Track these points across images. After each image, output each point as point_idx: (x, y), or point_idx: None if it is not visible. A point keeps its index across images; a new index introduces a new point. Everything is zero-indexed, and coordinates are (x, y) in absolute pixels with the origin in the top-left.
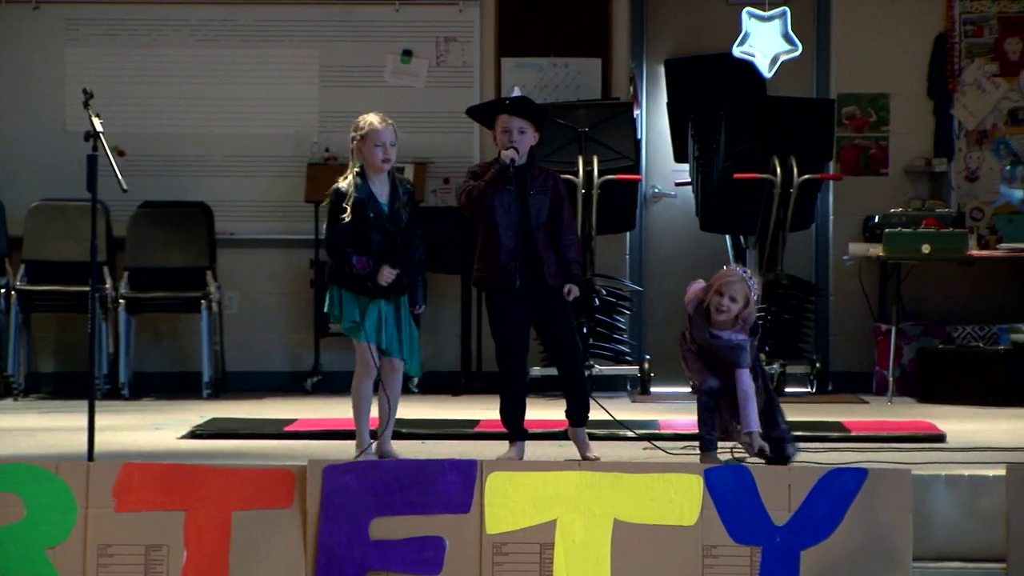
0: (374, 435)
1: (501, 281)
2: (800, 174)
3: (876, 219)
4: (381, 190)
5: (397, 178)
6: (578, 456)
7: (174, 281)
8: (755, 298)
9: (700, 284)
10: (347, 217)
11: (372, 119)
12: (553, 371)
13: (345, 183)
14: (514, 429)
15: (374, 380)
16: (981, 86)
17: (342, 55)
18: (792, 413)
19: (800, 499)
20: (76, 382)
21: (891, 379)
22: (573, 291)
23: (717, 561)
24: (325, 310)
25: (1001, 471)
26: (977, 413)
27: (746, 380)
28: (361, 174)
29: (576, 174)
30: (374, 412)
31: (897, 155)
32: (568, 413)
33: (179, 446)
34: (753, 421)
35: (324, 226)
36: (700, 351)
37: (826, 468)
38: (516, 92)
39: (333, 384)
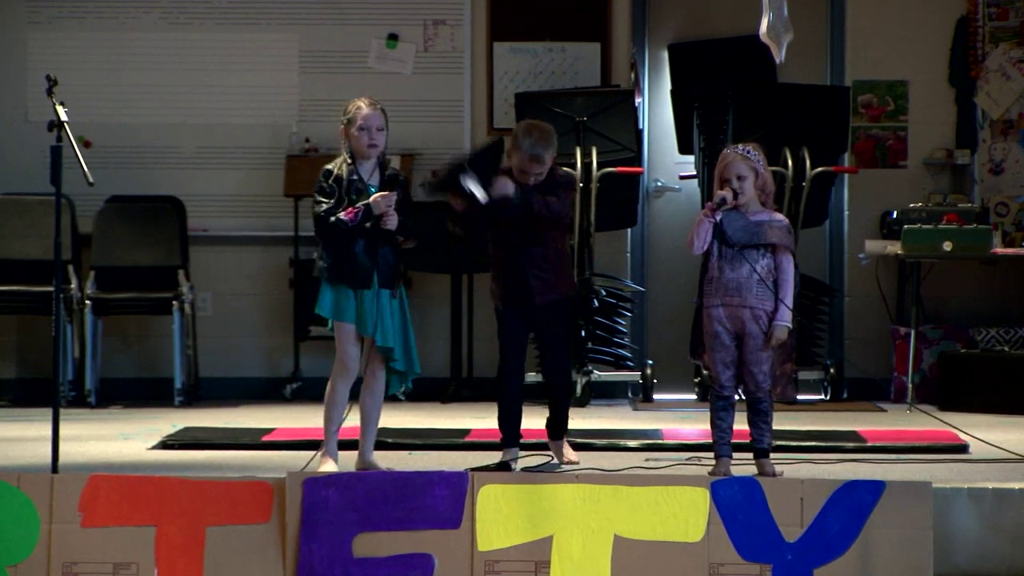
0: (344, 447)
1: (501, 293)
2: (813, 166)
3: (894, 215)
4: (369, 177)
5: (390, 168)
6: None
7: (144, 281)
8: (761, 164)
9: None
10: (328, 202)
11: (360, 102)
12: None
13: (333, 164)
14: (505, 435)
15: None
16: (1006, 73)
17: (323, 39)
18: (805, 422)
19: (813, 514)
20: (39, 389)
21: (910, 386)
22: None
23: None
24: (316, 311)
25: None
26: (1002, 422)
27: (788, 267)
28: (351, 160)
29: (574, 166)
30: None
31: (916, 146)
32: (547, 424)
33: (149, 457)
34: (786, 312)
35: (307, 221)
36: (722, 290)
37: (841, 481)
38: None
39: (314, 391)
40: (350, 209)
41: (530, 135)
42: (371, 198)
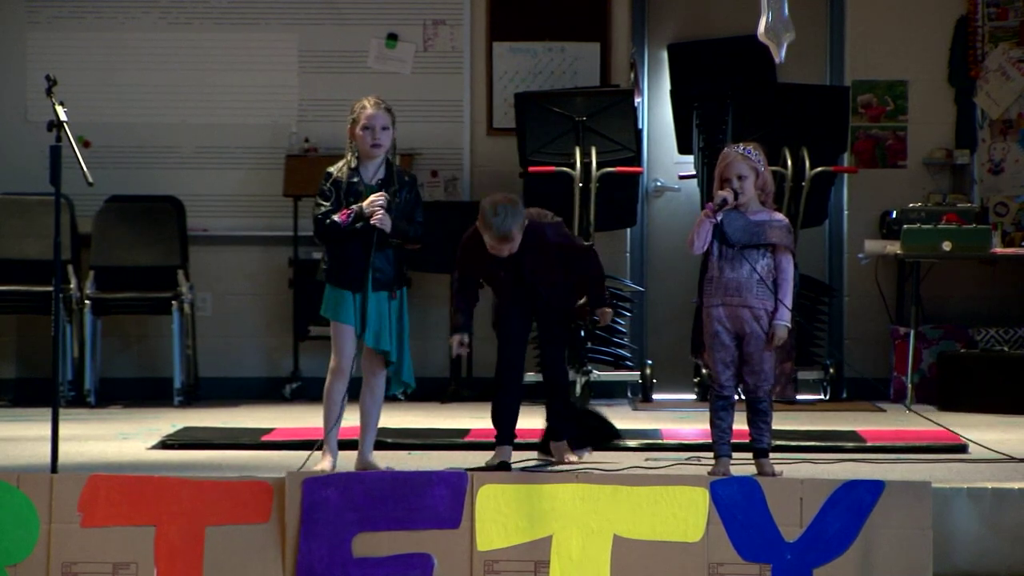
0: (344, 447)
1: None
2: (812, 166)
3: (893, 215)
4: (372, 178)
5: (395, 168)
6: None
7: (143, 281)
8: (762, 164)
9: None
10: (327, 204)
11: (365, 101)
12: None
13: (334, 167)
14: (500, 432)
15: (357, 384)
16: (1006, 72)
17: (323, 39)
18: (804, 422)
19: (812, 513)
20: (38, 389)
21: (910, 386)
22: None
23: None
24: (321, 312)
25: None
26: (1001, 422)
27: (788, 267)
28: (355, 161)
29: (573, 166)
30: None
31: (916, 146)
32: (547, 423)
33: (149, 457)
34: (786, 312)
35: (306, 221)
36: (725, 289)
37: (840, 481)
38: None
39: (313, 391)
40: (344, 211)
41: (497, 213)
42: (369, 202)
